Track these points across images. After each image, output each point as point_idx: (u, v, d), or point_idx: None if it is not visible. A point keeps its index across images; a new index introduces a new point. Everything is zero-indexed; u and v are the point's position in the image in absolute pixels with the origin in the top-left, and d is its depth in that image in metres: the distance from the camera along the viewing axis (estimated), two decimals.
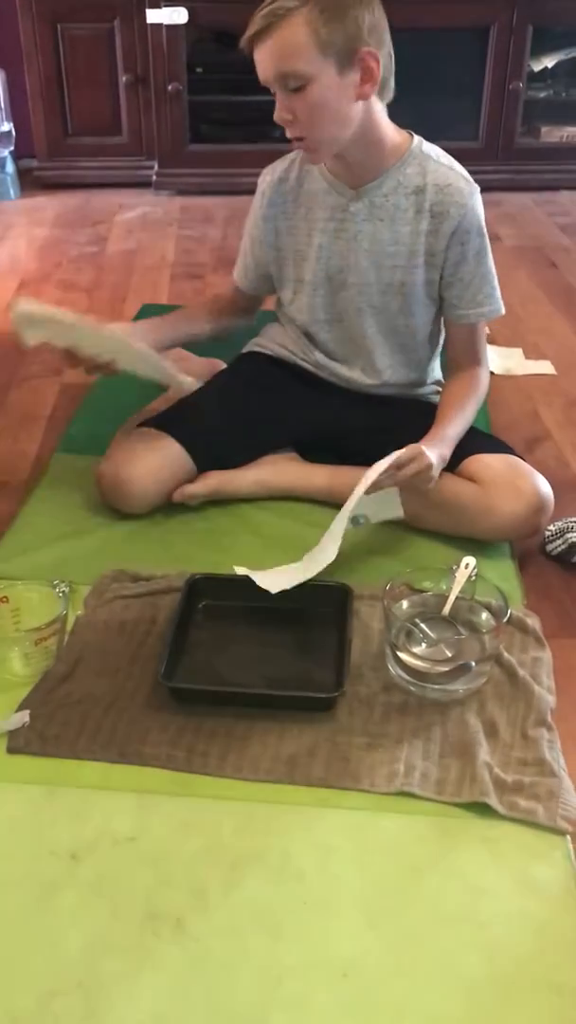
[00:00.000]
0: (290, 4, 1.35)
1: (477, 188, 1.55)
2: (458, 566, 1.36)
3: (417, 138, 1.56)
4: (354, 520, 1.47)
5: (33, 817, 1.11)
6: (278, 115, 1.44)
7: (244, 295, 1.80)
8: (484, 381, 1.66)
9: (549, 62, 3.59)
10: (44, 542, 1.58)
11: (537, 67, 3.56)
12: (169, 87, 3.43)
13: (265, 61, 1.40)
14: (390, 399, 1.72)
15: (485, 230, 1.57)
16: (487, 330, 1.69)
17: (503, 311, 1.63)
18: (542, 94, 3.65)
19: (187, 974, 0.95)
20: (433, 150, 1.56)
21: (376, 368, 1.69)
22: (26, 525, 1.64)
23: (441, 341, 1.73)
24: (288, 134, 1.46)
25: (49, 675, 1.29)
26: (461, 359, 1.66)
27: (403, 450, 1.43)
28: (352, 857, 1.07)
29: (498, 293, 1.61)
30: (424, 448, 1.44)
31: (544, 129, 3.63)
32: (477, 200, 1.55)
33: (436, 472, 1.46)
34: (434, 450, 1.46)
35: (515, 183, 3.57)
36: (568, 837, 1.09)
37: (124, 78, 3.49)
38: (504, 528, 1.53)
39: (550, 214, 3.42)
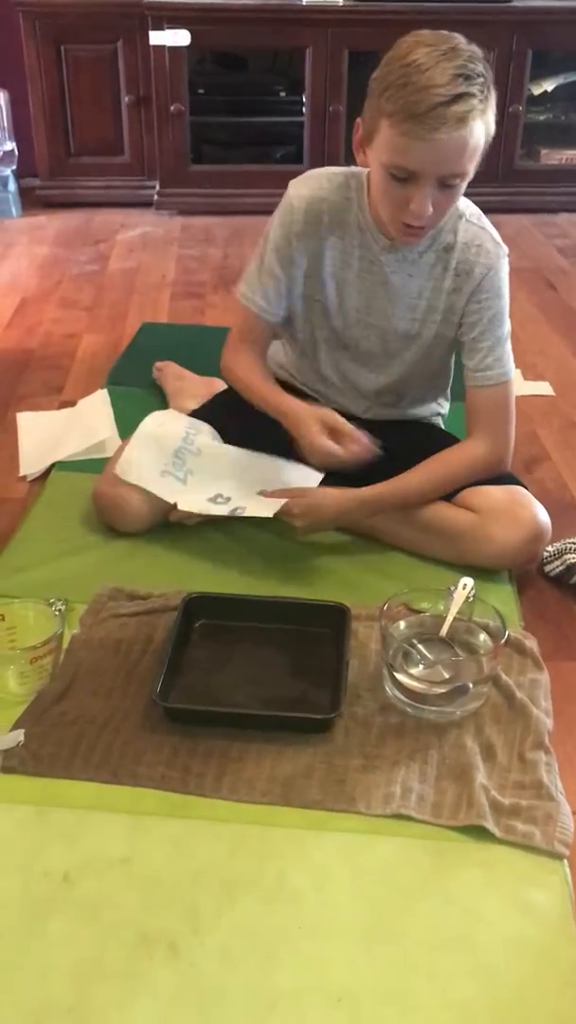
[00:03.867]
0: (476, 103, 1.28)
1: (506, 251, 1.52)
2: (456, 587, 1.35)
3: None
4: (234, 510, 1.57)
5: (26, 837, 1.10)
6: (422, 209, 1.34)
7: (269, 326, 1.64)
8: (477, 457, 1.56)
9: (549, 86, 3.62)
10: (41, 560, 1.58)
11: (537, 91, 3.59)
12: (171, 108, 3.45)
13: (441, 159, 1.30)
14: (385, 422, 1.71)
15: (507, 295, 1.53)
16: (507, 401, 1.57)
17: (510, 378, 1.56)
18: (542, 117, 3.67)
19: (180, 998, 0.94)
20: (468, 208, 1.51)
21: (365, 397, 1.69)
22: (23, 543, 1.63)
23: (445, 385, 1.74)
24: (415, 222, 1.38)
25: (44, 694, 1.28)
26: (468, 425, 1.59)
27: (299, 501, 1.54)
28: (347, 880, 1.06)
29: (508, 359, 1.55)
30: (309, 505, 1.54)
31: (544, 152, 3.66)
32: (503, 264, 1.51)
33: (300, 530, 1.57)
34: (328, 507, 1.55)
35: (514, 205, 3.59)
36: (565, 861, 1.08)
37: (126, 99, 3.51)
38: (502, 557, 1.53)
39: (549, 236, 3.44)
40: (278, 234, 1.55)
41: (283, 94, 3.61)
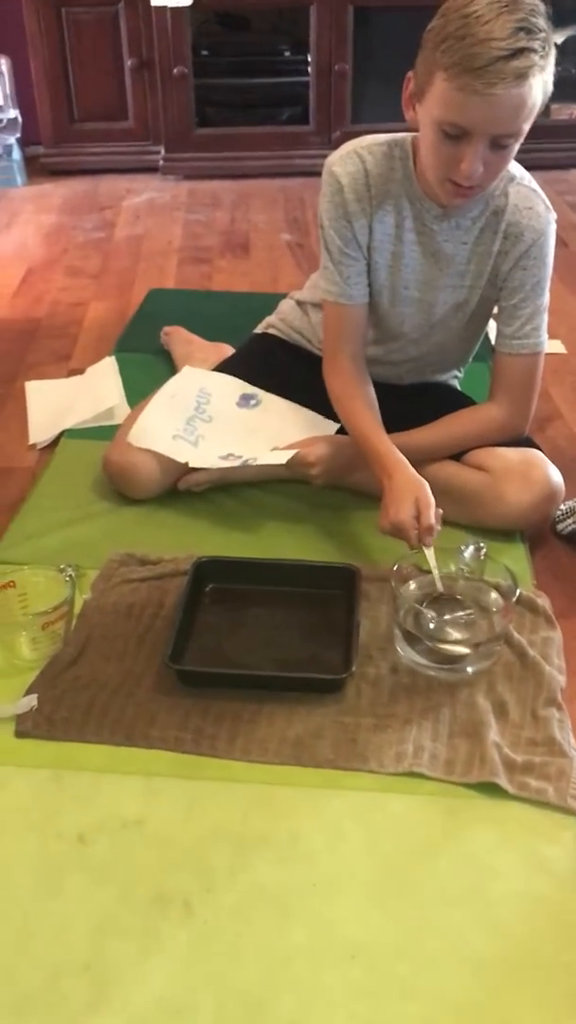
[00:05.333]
0: (536, 59, 1.20)
1: (554, 216, 1.48)
2: (466, 546, 1.35)
3: None
4: (246, 461, 1.58)
5: (41, 800, 1.11)
6: (473, 168, 1.28)
7: (361, 313, 1.55)
8: (496, 420, 1.54)
9: (559, 38, 3.55)
10: (51, 527, 1.58)
11: None
12: (175, 71, 3.40)
13: (497, 117, 1.24)
14: (399, 387, 1.70)
15: (551, 264, 1.49)
16: (536, 372, 1.53)
17: (543, 349, 1.52)
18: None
19: (194, 956, 0.94)
20: (519, 170, 1.46)
21: (396, 364, 1.66)
22: (33, 510, 1.63)
23: (474, 349, 1.70)
24: (464, 182, 1.31)
25: (56, 659, 1.29)
26: (491, 388, 1.56)
27: (313, 448, 1.55)
28: (360, 838, 1.06)
29: (544, 328, 1.51)
30: (323, 452, 1.54)
31: (554, 107, 3.59)
32: (552, 231, 1.46)
33: (315, 478, 1.56)
34: (343, 454, 1.53)
35: (525, 162, 3.49)
36: None
37: (129, 62, 3.46)
38: (514, 517, 1.52)
39: (560, 193, 3.38)
40: (332, 216, 1.48)
41: (287, 54, 3.55)
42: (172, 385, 1.75)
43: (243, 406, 1.70)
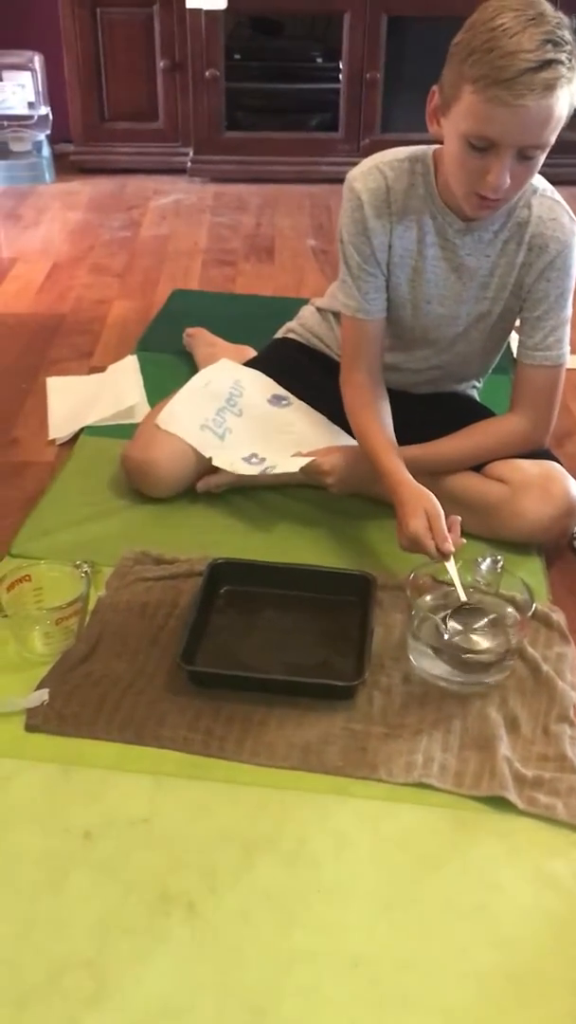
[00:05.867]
0: (564, 71, 1.20)
1: None
2: (483, 559, 1.34)
3: None
4: (265, 469, 1.60)
5: (48, 795, 1.11)
6: (500, 180, 1.28)
7: (378, 328, 1.54)
8: (516, 433, 1.54)
9: None
10: (68, 523, 1.58)
11: None
12: (207, 73, 3.42)
13: (525, 128, 1.24)
14: (416, 395, 1.69)
15: (575, 274, 1.47)
16: (558, 384, 1.52)
17: (565, 363, 1.51)
18: None
19: (196, 956, 0.94)
20: (541, 182, 1.45)
21: (416, 373, 1.65)
22: (50, 506, 1.64)
23: (495, 360, 1.69)
24: (491, 195, 1.31)
25: (69, 655, 1.29)
26: (512, 399, 1.55)
27: (329, 458, 1.57)
28: (367, 846, 1.06)
29: (567, 342, 1.50)
30: (339, 462, 1.57)
31: None
32: None
33: (331, 487, 1.59)
34: (359, 465, 1.53)
35: (553, 176, 3.50)
36: None
37: (162, 63, 3.48)
38: (532, 531, 1.51)
39: None
40: (352, 232, 1.47)
41: (320, 60, 3.56)
42: (207, 374, 1.76)
43: (274, 404, 1.71)
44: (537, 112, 1.22)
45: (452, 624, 1.26)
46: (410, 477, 1.43)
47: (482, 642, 1.26)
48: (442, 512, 1.36)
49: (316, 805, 1.10)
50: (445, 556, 1.32)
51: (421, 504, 1.37)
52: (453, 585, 1.31)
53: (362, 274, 1.49)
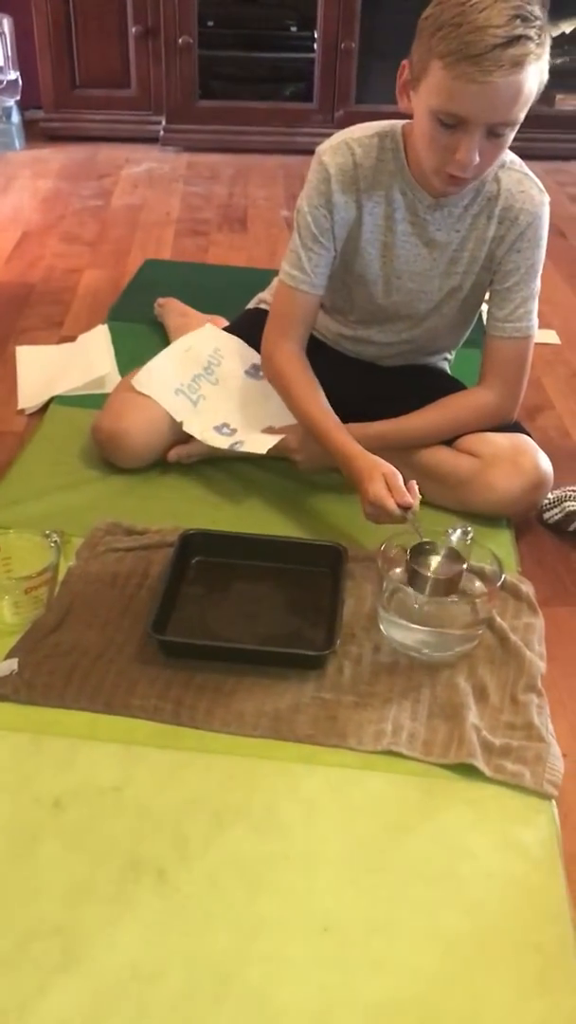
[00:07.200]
0: (532, 47, 1.20)
1: (548, 199, 1.46)
2: (454, 530, 1.34)
3: None
4: (233, 444, 1.59)
5: (18, 764, 1.11)
6: (469, 158, 1.27)
7: (313, 302, 1.54)
8: (486, 405, 1.54)
9: (567, 27, 3.53)
10: (38, 493, 1.57)
11: (554, 32, 3.50)
12: (179, 40, 3.37)
13: (494, 105, 1.23)
14: (386, 368, 1.69)
15: (544, 247, 1.48)
16: (527, 356, 1.53)
17: (534, 335, 1.52)
18: (558, 60, 3.53)
19: (166, 923, 0.95)
20: (509, 155, 1.44)
21: (389, 346, 1.65)
22: (20, 476, 1.62)
23: (466, 333, 1.69)
24: (459, 172, 1.31)
25: (38, 624, 1.28)
26: (482, 372, 1.55)
27: (297, 435, 1.56)
28: (336, 814, 1.06)
29: (535, 314, 1.51)
30: (307, 438, 1.54)
31: (559, 97, 3.58)
32: (546, 213, 1.46)
33: (300, 464, 1.60)
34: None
35: (525, 151, 3.46)
36: (553, 802, 1.09)
37: (134, 29, 3.43)
38: (502, 504, 1.52)
39: (561, 184, 3.38)
40: (314, 203, 1.46)
41: (294, 29, 3.53)
42: (189, 339, 1.75)
43: (251, 375, 1.69)
44: (505, 89, 1.21)
45: (417, 595, 1.27)
46: (361, 449, 1.43)
47: (439, 614, 1.27)
48: (398, 472, 1.37)
49: (286, 773, 1.11)
50: (406, 509, 1.33)
51: (377, 470, 1.37)
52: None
53: (315, 246, 1.48)
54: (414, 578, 1.26)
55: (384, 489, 1.35)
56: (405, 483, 1.36)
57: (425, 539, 1.30)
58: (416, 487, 1.36)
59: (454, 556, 1.29)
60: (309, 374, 1.54)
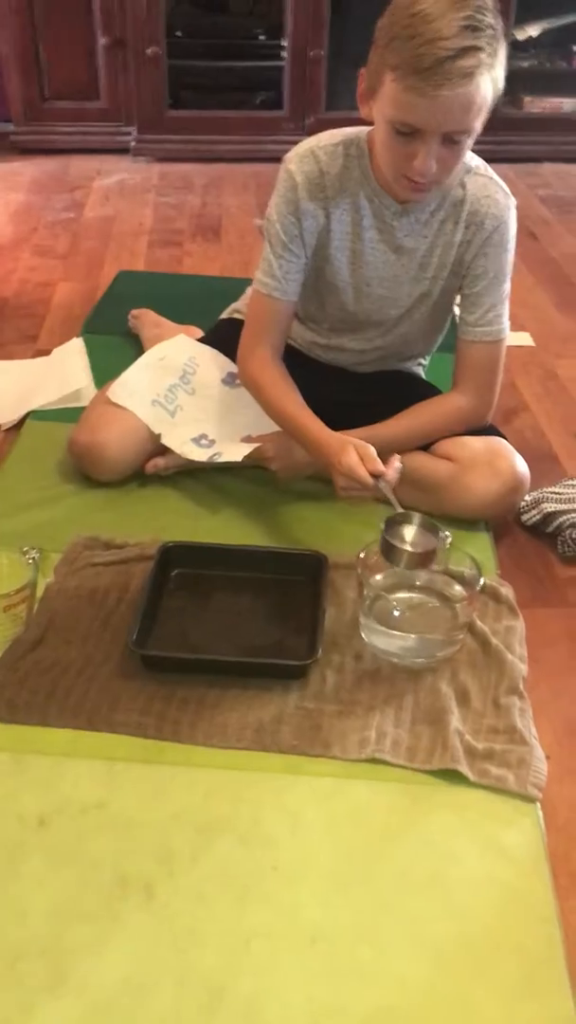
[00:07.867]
0: (483, 57, 1.21)
1: (514, 203, 1.48)
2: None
3: None
4: (212, 456, 1.59)
5: (1, 784, 1.10)
6: (426, 166, 1.29)
7: (287, 309, 1.54)
8: (460, 410, 1.55)
9: (534, 31, 3.55)
10: (15, 509, 1.56)
11: (521, 36, 3.52)
12: (148, 51, 3.37)
13: (446, 116, 1.24)
14: (361, 374, 1.70)
15: (512, 251, 1.49)
16: (499, 359, 1.54)
17: (505, 336, 1.53)
18: (526, 63, 3.60)
19: (154, 939, 0.94)
20: (474, 159, 1.46)
21: (362, 352, 1.65)
22: None
23: (440, 339, 1.70)
24: (418, 179, 1.32)
25: (18, 642, 1.27)
26: (455, 377, 1.56)
27: (274, 443, 1.56)
28: (322, 824, 1.06)
29: (507, 316, 1.52)
30: (283, 446, 1.55)
31: (527, 99, 3.60)
32: (512, 216, 1.47)
33: (277, 473, 1.59)
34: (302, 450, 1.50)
35: (496, 154, 3.45)
36: (538, 804, 1.09)
37: (102, 40, 3.42)
38: (479, 507, 1.53)
39: (531, 186, 3.40)
40: (283, 211, 1.47)
41: (263, 38, 3.53)
42: (163, 348, 1.74)
43: (228, 383, 1.69)
44: (457, 100, 1.23)
45: (395, 602, 1.27)
46: (334, 433, 1.43)
47: (419, 621, 1.27)
48: (369, 446, 1.36)
49: (271, 784, 1.11)
50: (378, 477, 1.32)
51: (349, 444, 1.37)
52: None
53: (286, 254, 1.49)
54: (389, 551, 1.26)
55: (355, 458, 1.34)
56: (385, 461, 1.35)
57: (399, 510, 1.30)
58: (397, 460, 1.35)
59: (429, 527, 1.29)
60: (285, 376, 1.55)
